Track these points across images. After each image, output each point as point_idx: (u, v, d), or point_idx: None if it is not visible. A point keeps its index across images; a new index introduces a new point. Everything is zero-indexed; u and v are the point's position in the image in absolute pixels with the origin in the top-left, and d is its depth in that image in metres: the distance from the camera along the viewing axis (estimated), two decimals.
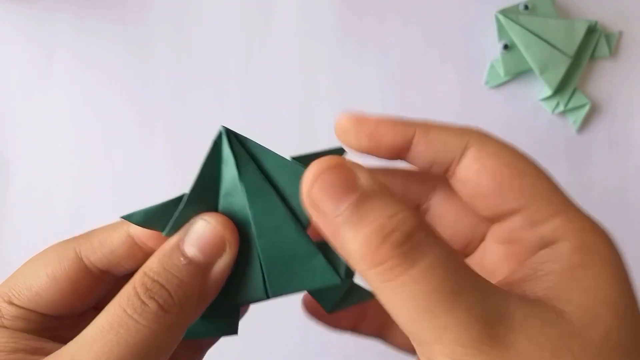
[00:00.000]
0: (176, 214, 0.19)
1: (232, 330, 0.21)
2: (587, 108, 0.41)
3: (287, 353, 0.40)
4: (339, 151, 0.21)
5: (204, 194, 0.19)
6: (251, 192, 0.18)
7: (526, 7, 0.40)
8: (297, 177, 0.18)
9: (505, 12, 0.40)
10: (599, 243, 0.17)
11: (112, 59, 0.41)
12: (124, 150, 0.41)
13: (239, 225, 0.19)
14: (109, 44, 0.41)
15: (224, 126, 0.19)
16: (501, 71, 0.40)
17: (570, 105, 0.41)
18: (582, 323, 0.15)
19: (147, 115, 0.41)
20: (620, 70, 0.41)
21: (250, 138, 0.19)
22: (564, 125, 0.41)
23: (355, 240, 0.16)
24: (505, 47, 0.40)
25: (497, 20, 0.40)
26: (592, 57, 0.41)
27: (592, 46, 0.41)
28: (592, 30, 0.41)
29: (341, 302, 0.22)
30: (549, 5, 0.40)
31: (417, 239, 0.15)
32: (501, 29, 0.40)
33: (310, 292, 0.21)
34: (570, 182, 0.41)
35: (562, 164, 0.41)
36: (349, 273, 0.21)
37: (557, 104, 0.41)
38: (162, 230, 0.19)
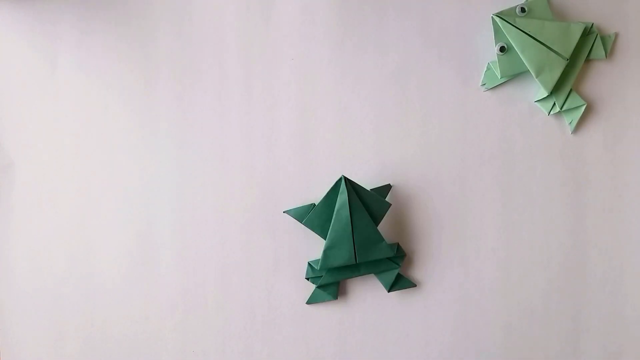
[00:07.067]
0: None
1: (335, 295, 0.38)
2: (583, 109, 0.41)
3: (288, 353, 0.40)
4: (387, 187, 0.39)
5: (327, 210, 0.37)
6: (353, 208, 0.36)
7: (523, 10, 0.40)
8: (376, 200, 0.37)
9: (501, 15, 0.40)
10: None
11: (115, 60, 0.41)
12: (127, 151, 0.41)
13: (344, 224, 0.36)
14: (112, 45, 0.41)
15: (343, 176, 0.37)
16: (498, 73, 0.41)
17: (566, 106, 0.41)
18: None
19: (151, 116, 0.41)
20: (616, 72, 0.42)
21: (356, 182, 0.38)
22: (559, 126, 0.41)
23: None
24: (502, 49, 0.40)
25: (494, 22, 0.40)
26: (588, 59, 0.41)
27: (588, 48, 0.41)
28: (588, 32, 0.41)
29: (393, 285, 0.39)
30: (545, 7, 0.40)
31: None
32: (498, 31, 0.40)
33: (376, 273, 0.38)
34: (566, 182, 0.41)
35: (557, 164, 0.41)
36: (399, 255, 0.39)
37: (553, 105, 0.41)
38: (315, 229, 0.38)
